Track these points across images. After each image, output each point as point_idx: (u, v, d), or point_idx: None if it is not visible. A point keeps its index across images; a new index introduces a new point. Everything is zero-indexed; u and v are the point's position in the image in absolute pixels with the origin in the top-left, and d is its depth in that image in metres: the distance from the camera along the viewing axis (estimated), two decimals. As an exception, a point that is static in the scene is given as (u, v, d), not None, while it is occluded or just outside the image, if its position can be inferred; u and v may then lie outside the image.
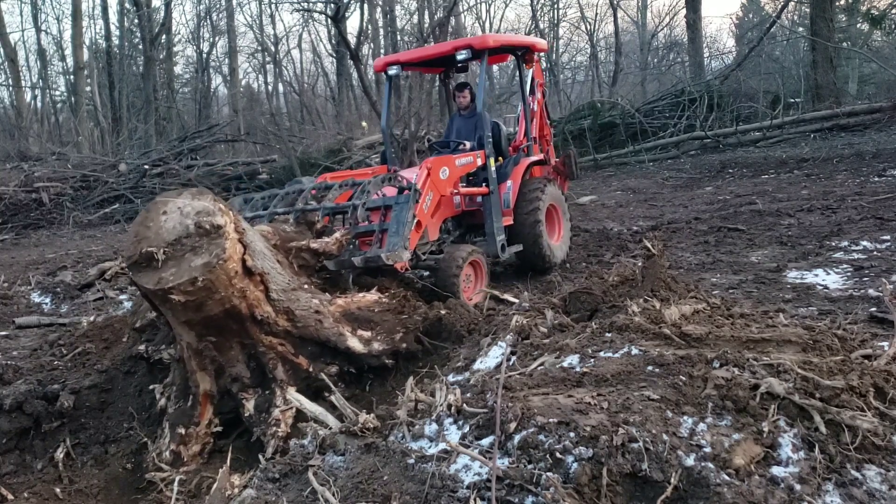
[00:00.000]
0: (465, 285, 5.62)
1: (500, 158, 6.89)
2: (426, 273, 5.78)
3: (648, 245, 4.06)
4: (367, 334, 4.07)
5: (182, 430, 3.62)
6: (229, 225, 3.38)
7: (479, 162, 6.37)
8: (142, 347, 4.13)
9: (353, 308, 4.22)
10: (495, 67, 25.04)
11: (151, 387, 3.96)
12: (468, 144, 6.72)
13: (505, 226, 6.47)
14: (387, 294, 4.61)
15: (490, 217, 6.28)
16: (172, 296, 3.23)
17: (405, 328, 4.21)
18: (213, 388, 3.73)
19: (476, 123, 6.88)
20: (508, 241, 6.49)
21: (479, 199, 6.43)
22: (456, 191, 6.07)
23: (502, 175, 6.69)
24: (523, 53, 7.36)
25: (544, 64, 24.45)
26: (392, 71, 7.12)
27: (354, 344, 3.98)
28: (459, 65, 7.48)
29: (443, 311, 4.41)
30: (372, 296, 4.42)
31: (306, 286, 4.15)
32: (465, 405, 2.63)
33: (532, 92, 7.57)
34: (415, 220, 5.20)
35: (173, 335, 3.90)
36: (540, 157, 7.43)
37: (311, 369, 3.86)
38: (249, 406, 3.70)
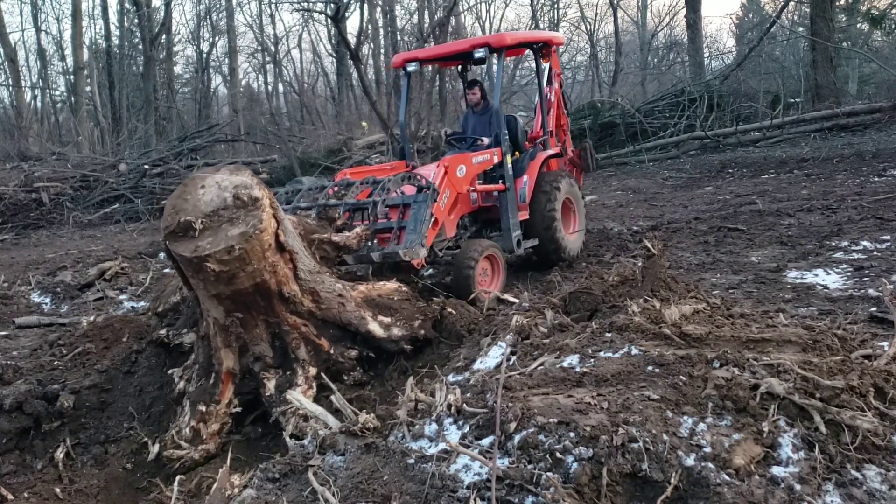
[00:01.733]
0: (482, 279, 5.63)
1: (517, 153, 6.87)
2: (427, 272, 5.78)
3: (648, 245, 4.06)
4: (387, 320, 4.17)
5: (203, 408, 3.68)
6: (266, 199, 3.51)
7: (496, 160, 6.37)
8: (162, 332, 4.20)
9: (374, 295, 4.33)
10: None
11: (171, 371, 4.01)
12: (486, 141, 6.70)
13: (521, 220, 6.46)
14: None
15: (506, 213, 6.29)
16: (208, 264, 3.31)
17: (424, 315, 4.31)
18: (235, 366, 3.80)
19: (490, 119, 6.86)
20: (524, 235, 6.49)
21: (495, 194, 6.43)
22: (472, 188, 6.08)
23: (518, 170, 6.68)
24: (540, 48, 7.34)
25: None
26: (411, 67, 7.12)
27: (375, 328, 4.08)
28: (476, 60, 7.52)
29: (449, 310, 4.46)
30: (392, 284, 4.54)
31: (328, 273, 4.26)
32: (465, 405, 2.63)
33: (549, 83, 7.55)
34: (432, 219, 5.25)
35: (195, 319, 3.99)
36: (556, 150, 7.40)
37: (332, 351, 3.97)
38: (270, 385, 3.78)
